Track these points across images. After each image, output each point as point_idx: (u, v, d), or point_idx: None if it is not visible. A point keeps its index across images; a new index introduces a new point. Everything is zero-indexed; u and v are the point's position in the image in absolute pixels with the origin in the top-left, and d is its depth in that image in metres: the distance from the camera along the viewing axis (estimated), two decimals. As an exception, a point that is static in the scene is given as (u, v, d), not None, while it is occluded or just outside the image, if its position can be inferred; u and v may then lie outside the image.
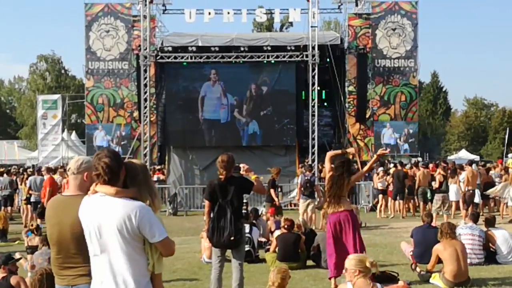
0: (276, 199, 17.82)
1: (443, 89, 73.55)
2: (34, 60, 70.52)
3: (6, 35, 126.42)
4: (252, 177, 8.82)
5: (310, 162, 25.15)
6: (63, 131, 42.75)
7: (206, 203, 8.86)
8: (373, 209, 24.20)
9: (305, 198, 18.41)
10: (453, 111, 77.52)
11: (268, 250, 13.18)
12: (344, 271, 6.67)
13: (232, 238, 8.41)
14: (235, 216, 8.51)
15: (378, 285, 6.62)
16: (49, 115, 43.12)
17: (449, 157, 54.96)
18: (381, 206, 22.97)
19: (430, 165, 24.93)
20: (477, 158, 50.45)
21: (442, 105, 72.39)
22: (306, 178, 18.53)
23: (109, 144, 36.51)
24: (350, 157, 10.21)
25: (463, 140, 69.09)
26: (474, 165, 24.15)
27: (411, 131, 36.37)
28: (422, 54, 76.24)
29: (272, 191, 17.77)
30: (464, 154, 51.84)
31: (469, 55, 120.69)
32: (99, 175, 4.47)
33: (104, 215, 4.42)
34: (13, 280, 8.06)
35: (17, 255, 9.15)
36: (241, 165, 9.05)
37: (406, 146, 36.41)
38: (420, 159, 37.93)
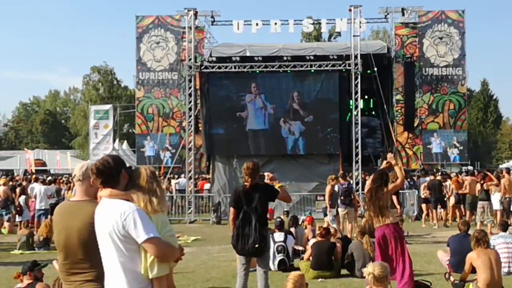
0: (398, 206, 17.20)
1: (494, 97, 72.39)
2: (88, 72, 71.86)
3: (64, 48, 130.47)
4: (277, 185, 8.79)
5: (351, 171, 25.15)
6: (114, 140, 43.63)
7: (231, 210, 8.82)
8: (418, 218, 23.95)
9: (344, 207, 17.95)
10: (504, 119, 76.01)
11: (303, 258, 13.10)
12: (366, 275, 6.52)
13: (256, 245, 8.35)
14: (260, 223, 8.46)
15: None
16: (101, 125, 44.14)
17: (500, 166, 53.93)
18: (426, 215, 22.81)
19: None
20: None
21: (493, 113, 71.12)
22: (343, 186, 18.13)
23: (158, 153, 37.22)
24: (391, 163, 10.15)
25: (515, 149, 67.70)
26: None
27: (460, 139, 35.95)
28: (471, 62, 75.06)
29: (394, 197, 17.01)
30: (516, 163, 50.60)
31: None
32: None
33: (100, 219, 4.49)
34: (38, 287, 8.12)
35: (54, 263, 9.28)
36: (266, 174, 9.06)
37: (455, 154, 35.95)
38: (471, 167, 37.48)
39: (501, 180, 20.95)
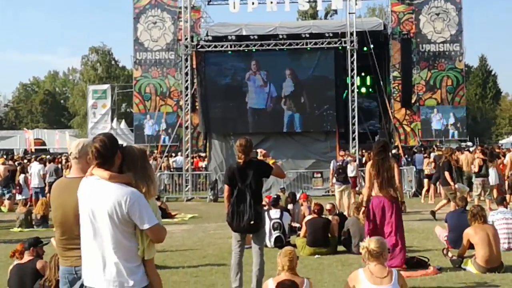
0: (451, 183, 16.72)
1: (492, 73, 71.97)
2: (86, 52, 72.06)
3: (63, 30, 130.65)
4: (270, 161, 8.78)
5: (351, 148, 25.20)
6: (112, 120, 43.77)
7: (226, 187, 8.79)
8: (416, 194, 23.94)
9: (339, 184, 18.02)
10: (503, 95, 75.70)
11: (299, 235, 13.06)
12: (362, 250, 6.37)
13: (252, 222, 8.34)
14: (255, 200, 8.42)
15: (394, 270, 6.36)
16: (99, 105, 44.26)
17: (500, 141, 54.00)
18: (426, 191, 22.53)
19: (471, 149, 24.55)
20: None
21: (492, 88, 70.73)
22: (338, 163, 18.16)
23: (157, 132, 37.37)
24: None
25: (515, 124, 67.44)
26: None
27: (458, 115, 35.96)
28: (469, 38, 74.62)
29: (447, 173, 16.78)
30: (516, 138, 50.54)
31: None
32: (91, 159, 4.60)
33: (97, 199, 4.47)
34: (39, 264, 8.09)
35: (52, 241, 9.30)
36: (258, 150, 9.01)
37: (454, 130, 35.99)
38: (470, 143, 37.57)
39: (494, 156, 20.86)
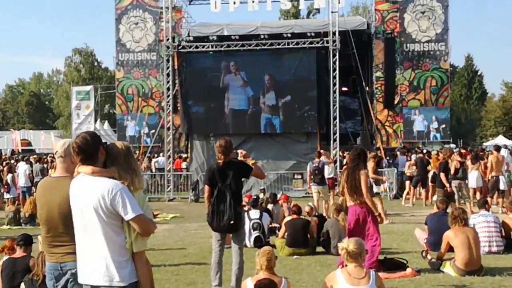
0: (447, 184, 16.66)
1: (478, 73, 72.00)
2: (69, 54, 72.38)
3: (46, 31, 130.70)
4: (250, 162, 8.89)
5: (332, 150, 25.14)
6: (95, 121, 43.66)
7: (206, 188, 8.93)
8: (397, 196, 23.81)
9: (315, 185, 17.99)
10: (489, 96, 75.70)
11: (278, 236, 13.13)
12: (341, 251, 6.43)
13: (231, 222, 8.49)
14: (235, 200, 8.57)
15: (372, 271, 6.41)
16: (83, 106, 44.20)
17: (485, 143, 53.97)
18: (407, 193, 22.42)
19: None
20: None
21: (478, 89, 70.80)
22: (314, 165, 18.13)
23: (139, 133, 37.23)
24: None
25: (500, 126, 66.84)
26: (505, 151, 23.68)
27: (442, 117, 35.76)
28: (455, 37, 74.43)
29: (442, 175, 16.83)
30: (501, 140, 49.91)
31: (506, 38, 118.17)
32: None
33: (83, 195, 4.59)
34: (31, 261, 8.23)
35: (39, 238, 9.24)
36: (239, 151, 9.13)
37: (437, 132, 35.79)
38: (453, 145, 37.44)
39: (478, 159, 20.82)
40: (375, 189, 16.98)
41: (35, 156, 30.46)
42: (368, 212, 9.66)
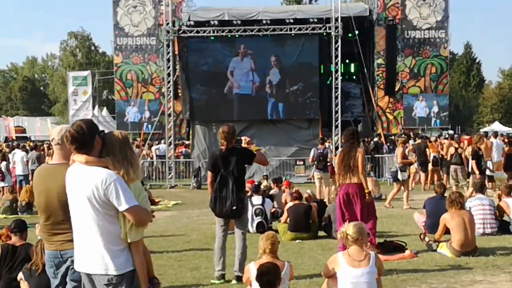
0: (477, 171, 16.68)
1: (477, 60, 72.32)
2: (64, 37, 71.12)
3: (37, 14, 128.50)
4: (254, 148, 8.88)
5: (331, 136, 25.10)
6: (93, 107, 43.25)
7: (209, 174, 8.94)
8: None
9: (318, 171, 18.24)
10: (486, 83, 76.08)
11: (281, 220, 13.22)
12: (339, 235, 6.58)
13: (234, 207, 8.52)
14: (237, 186, 8.60)
15: (372, 253, 6.50)
16: (80, 92, 43.71)
17: (481, 130, 54.12)
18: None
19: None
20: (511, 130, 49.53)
21: (476, 76, 71.23)
22: (318, 151, 18.29)
23: (140, 119, 36.99)
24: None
25: (496, 112, 67.81)
26: (497, 138, 23.79)
27: (441, 103, 35.83)
28: (454, 25, 74.21)
29: (473, 162, 16.85)
30: (497, 127, 50.46)
31: (504, 26, 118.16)
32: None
33: (77, 184, 4.56)
34: (31, 252, 7.95)
35: (37, 226, 9.09)
36: (243, 138, 9.17)
37: (436, 118, 35.89)
38: (451, 132, 37.47)
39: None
40: (400, 176, 17.00)
41: (29, 143, 30.08)
42: (359, 190, 9.68)
